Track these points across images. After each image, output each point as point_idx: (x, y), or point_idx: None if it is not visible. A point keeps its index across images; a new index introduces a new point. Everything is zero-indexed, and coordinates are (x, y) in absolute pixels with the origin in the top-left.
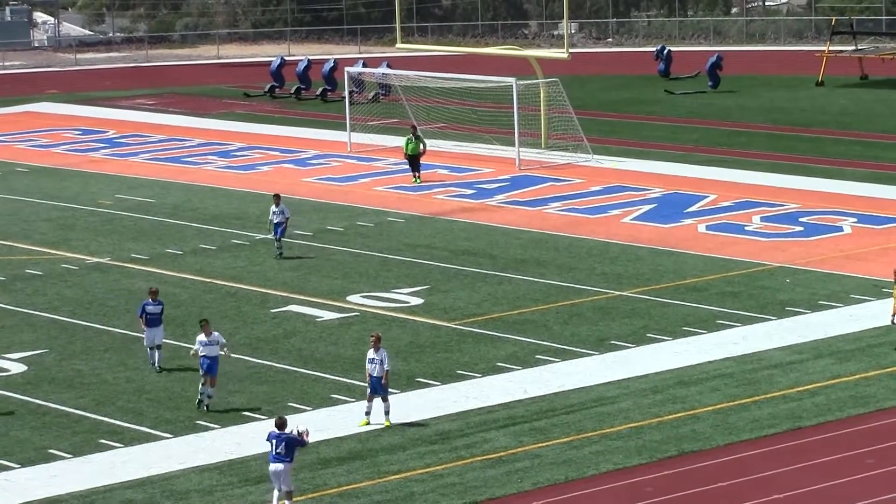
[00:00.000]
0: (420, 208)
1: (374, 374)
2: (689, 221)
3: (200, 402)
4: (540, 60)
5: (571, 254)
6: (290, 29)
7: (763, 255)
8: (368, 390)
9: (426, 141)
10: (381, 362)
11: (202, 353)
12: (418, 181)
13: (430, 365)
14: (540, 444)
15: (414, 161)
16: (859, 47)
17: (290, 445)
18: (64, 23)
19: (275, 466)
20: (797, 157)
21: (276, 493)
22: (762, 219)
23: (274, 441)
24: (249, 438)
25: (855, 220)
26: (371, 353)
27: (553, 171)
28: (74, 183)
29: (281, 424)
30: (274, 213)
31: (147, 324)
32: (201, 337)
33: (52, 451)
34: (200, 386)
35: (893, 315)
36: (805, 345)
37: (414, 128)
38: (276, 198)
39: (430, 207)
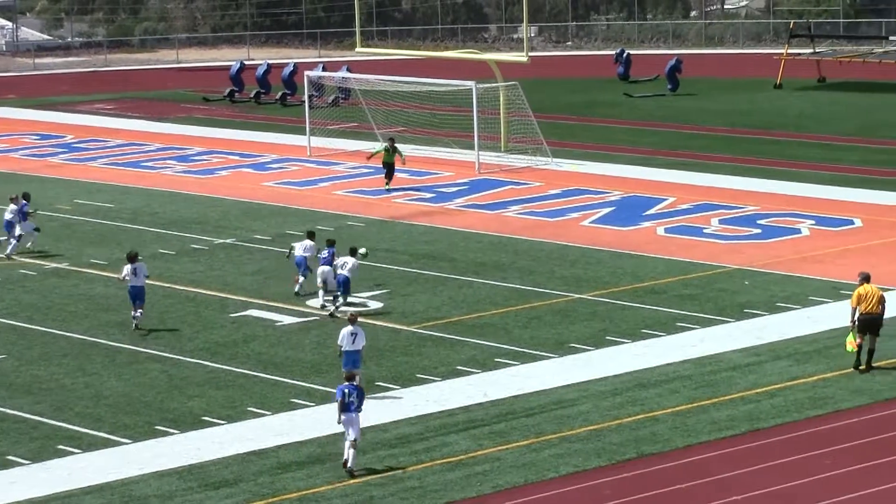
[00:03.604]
0: (380, 212)
1: (351, 349)
2: (647, 224)
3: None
4: (499, 64)
5: (531, 257)
6: (249, 33)
7: (721, 258)
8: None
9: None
10: (360, 335)
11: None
12: (387, 186)
13: (390, 369)
14: (500, 448)
15: (390, 168)
16: (817, 50)
17: (360, 395)
18: (22, 27)
19: (348, 415)
20: (756, 159)
21: (347, 442)
22: (721, 221)
23: (346, 390)
24: (209, 443)
25: (813, 222)
26: (350, 329)
27: (512, 174)
28: (32, 188)
29: (351, 377)
30: (307, 248)
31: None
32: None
33: (9, 457)
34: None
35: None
36: (763, 346)
37: (391, 140)
38: (310, 234)
39: (389, 211)
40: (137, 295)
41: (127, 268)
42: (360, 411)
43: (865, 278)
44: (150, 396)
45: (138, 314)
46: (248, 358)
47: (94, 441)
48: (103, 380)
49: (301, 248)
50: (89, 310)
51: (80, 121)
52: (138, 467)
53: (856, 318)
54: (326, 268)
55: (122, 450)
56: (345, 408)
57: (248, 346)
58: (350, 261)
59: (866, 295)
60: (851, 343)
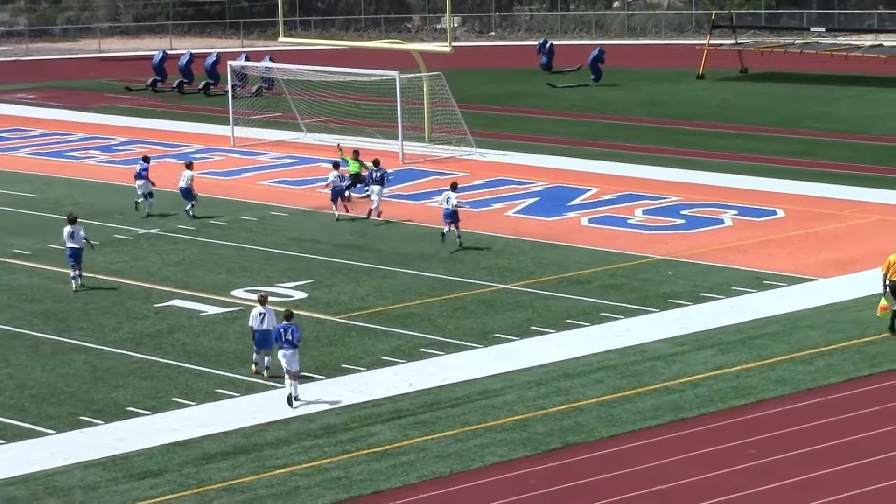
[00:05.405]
0: (304, 202)
1: (260, 329)
2: (571, 215)
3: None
4: (423, 54)
5: (455, 247)
6: (172, 23)
7: (645, 248)
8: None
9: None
10: (268, 315)
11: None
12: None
13: (315, 359)
14: (425, 438)
15: (358, 179)
16: (739, 41)
17: (295, 332)
18: None
19: (284, 352)
20: (679, 150)
21: (287, 378)
22: (644, 212)
23: (283, 330)
24: (133, 434)
25: (736, 212)
26: (260, 309)
27: (437, 164)
28: None
29: (289, 315)
30: (342, 178)
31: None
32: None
33: None
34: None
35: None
36: (687, 336)
37: (356, 152)
38: (336, 165)
39: (313, 201)
40: (73, 256)
41: (66, 229)
42: (296, 347)
43: None
44: (75, 387)
45: (77, 275)
46: (173, 348)
47: (19, 432)
48: (27, 370)
49: (336, 177)
50: (12, 300)
51: (2, 110)
52: (63, 458)
53: (885, 283)
54: (377, 187)
55: (46, 440)
56: (282, 345)
57: (172, 336)
58: (453, 196)
59: (895, 262)
60: (882, 308)
